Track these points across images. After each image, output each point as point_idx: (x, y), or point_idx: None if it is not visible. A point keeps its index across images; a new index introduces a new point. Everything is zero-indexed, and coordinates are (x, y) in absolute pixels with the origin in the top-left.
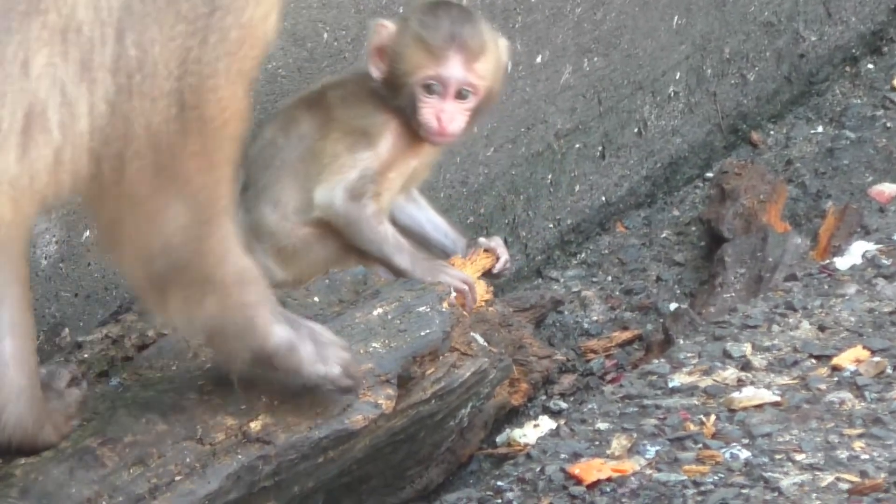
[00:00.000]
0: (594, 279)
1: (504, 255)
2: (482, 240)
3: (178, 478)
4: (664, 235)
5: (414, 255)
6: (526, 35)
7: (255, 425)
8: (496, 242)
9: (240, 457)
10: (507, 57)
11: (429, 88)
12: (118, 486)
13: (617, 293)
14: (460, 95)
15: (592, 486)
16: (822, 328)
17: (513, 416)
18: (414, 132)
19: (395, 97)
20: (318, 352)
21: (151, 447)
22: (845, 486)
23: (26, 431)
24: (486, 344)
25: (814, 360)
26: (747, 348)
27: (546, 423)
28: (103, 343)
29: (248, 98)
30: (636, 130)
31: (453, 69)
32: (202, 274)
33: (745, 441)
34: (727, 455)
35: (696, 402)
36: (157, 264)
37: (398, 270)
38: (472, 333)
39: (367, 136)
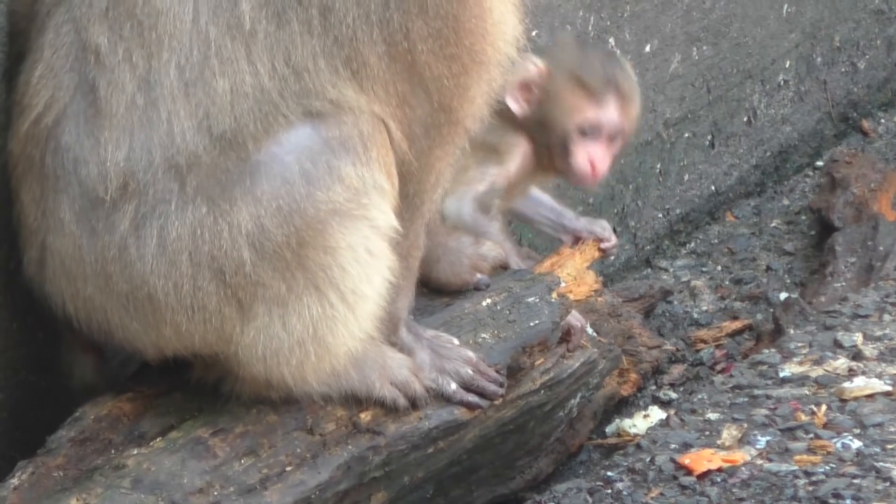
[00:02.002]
0: (704, 269)
1: (613, 238)
2: (584, 222)
3: (288, 468)
4: (774, 225)
5: None
6: (635, 24)
7: (364, 416)
8: (601, 225)
9: (350, 447)
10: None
11: (583, 132)
12: (229, 476)
13: (727, 283)
14: (611, 139)
15: (703, 477)
16: None
17: (622, 406)
18: (539, 158)
19: (539, 132)
20: (435, 363)
21: (262, 438)
22: None
23: None
24: (595, 334)
25: None
26: (858, 338)
27: (656, 414)
28: None
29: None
30: (745, 119)
31: (612, 113)
32: (422, 185)
33: (857, 431)
34: (838, 445)
35: (807, 392)
36: (412, 151)
37: None
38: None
39: (496, 153)
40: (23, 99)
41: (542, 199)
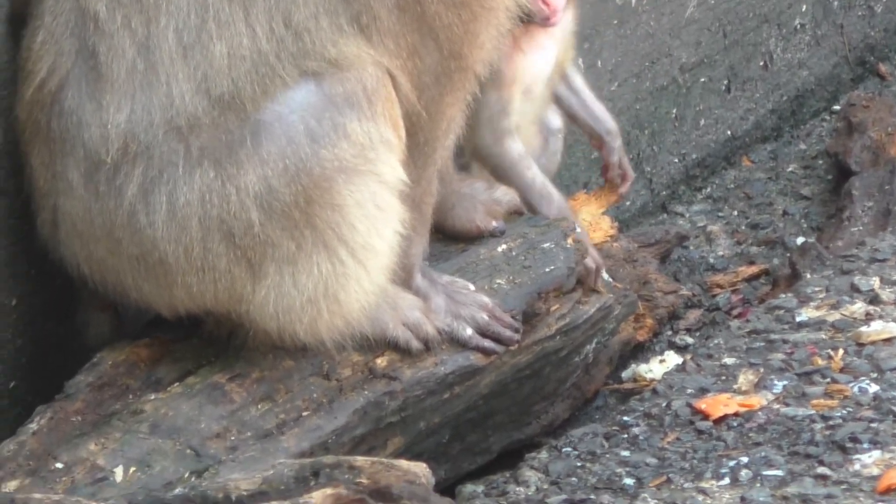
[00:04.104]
0: (720, 214)
1: (630, 174)
2: (617, 148)
3: (305, 413)
4: (791, 169)
5: (561, 205)
6: None
7: (381, 361)
8: (626, 161)
9: (366, 392)
10: None
11: None
12: (246, 421)
13: (743, 228)
14: None
15: (719, 421)
16: None
17: (638, 351)
18: (520, 35)
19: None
20: (451, 308)
21: (279, 383)
22: None
23: None
24: (611, 280)
25: None
26: (875, 282)
27: (672, 359)
28: None
29: None
30: (762, 63)
31: None
32: (433, 133)
33: (874, 375)
34: (855, 389)
35: (824, 337)
36: (422, 100)
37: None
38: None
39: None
40: (26, 65)
41: (586, 98)
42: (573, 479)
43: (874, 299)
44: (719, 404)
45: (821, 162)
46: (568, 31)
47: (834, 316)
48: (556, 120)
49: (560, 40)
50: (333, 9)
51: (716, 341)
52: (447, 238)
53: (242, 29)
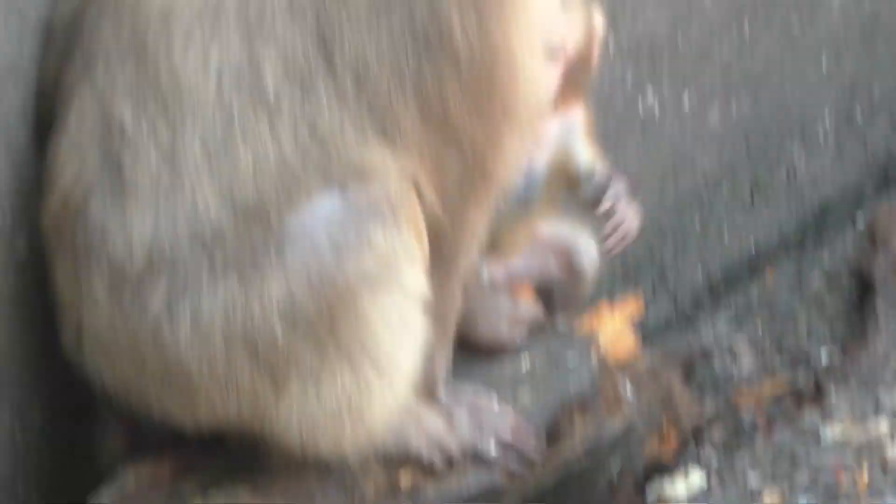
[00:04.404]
0: (744, 328)
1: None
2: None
3: None
4: (815, 283)
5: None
6: (672, 77)
7: (404, 480)
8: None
9: None
10: (602, 31)
11: None
12: None
13: (767, 342)
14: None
15: None
16: None
17: (663, 468)
18: None
19: None
20: (475, 424)
21: (302, 499)
22: None
23: None
24: (634, 396)
25: None
26: None
27: (696, 476)
28: None
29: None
30: (785, 175)
31: None
32: (456, 243)
33: None
34: None
35: (849, 455)
36: (446, 209)
37: None
38: (620, 386)
39: None
40: (51, 174)
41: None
42: None
43: None
44: None
45: (844, 276)
46: (560, 140)
47: (859, 433)
48: (591, 250)
49: (550, 147)
50: (358, 119)
51: (740, 458)
52: (471, 350)
53: (268, 138)
